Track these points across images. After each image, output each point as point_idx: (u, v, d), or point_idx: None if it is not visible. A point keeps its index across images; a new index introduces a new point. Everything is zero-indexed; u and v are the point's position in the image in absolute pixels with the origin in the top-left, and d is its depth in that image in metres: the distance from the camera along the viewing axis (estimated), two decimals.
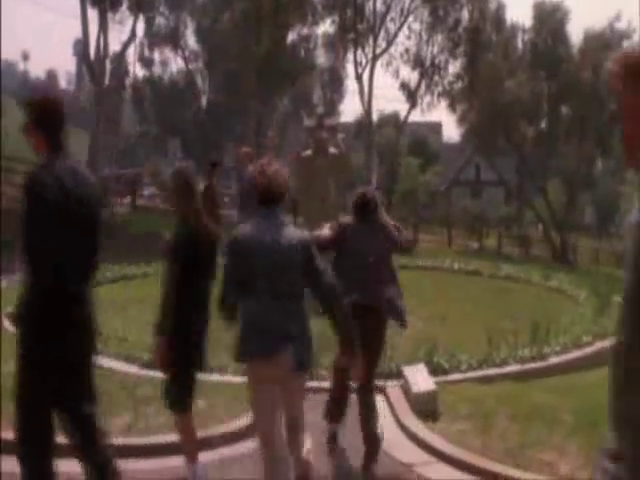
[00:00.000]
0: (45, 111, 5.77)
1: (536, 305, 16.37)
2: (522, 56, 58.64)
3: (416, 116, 58.04)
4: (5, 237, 27.02)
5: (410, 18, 50.90)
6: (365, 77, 49.32)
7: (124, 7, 47.75)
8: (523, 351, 11.99)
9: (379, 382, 10.73)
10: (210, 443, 8.42)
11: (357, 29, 48.84)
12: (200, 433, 8.54)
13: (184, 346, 6.95)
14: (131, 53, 79.90)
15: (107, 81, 44.61)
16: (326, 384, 9.40)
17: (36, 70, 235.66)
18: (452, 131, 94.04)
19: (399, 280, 8.38)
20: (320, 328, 6.76)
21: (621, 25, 58.68)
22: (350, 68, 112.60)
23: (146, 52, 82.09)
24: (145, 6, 55.96)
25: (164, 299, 6.82)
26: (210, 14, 71.16)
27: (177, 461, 7.91)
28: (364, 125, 54.00)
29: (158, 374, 10.83)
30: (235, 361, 6.37)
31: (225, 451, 8.33)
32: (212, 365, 11.12)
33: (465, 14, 52.16)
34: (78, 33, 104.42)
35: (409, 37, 50.99)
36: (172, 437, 8.37)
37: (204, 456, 8.11)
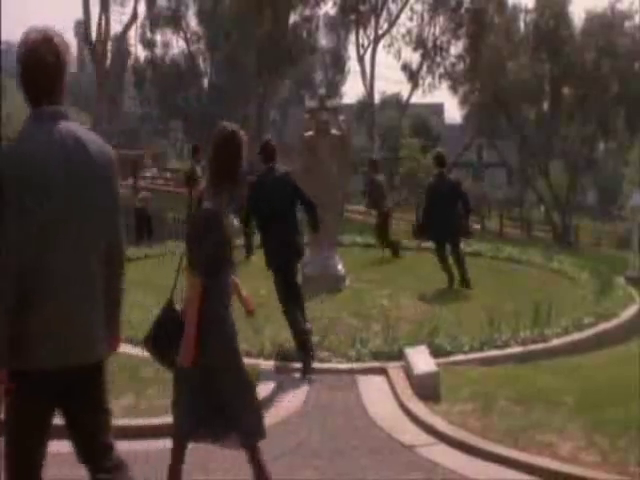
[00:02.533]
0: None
1: (538, 286, 16.38)
2: (524, 37, 58.52)
3: (418, 97, 58.15)
4: None
5: None
6: (367, 58, 49.33)
7: None
8: (525, 333, 12.00)
9: (381, 363, 10.77)
10: None
11: (359, 10, 48.74)
12: None
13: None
14: (132, 35, 79.81)
15: (108, 63, 44.52)
16: None
17: None
18: (454, 112, 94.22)
19: None
20: None
21: (623, 6, 58.62)
22: (352, 49, 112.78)
23: (148, 33, 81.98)
24: None
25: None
26: None
27: None
28: (366, 106, 54.05)
29: None
30: None
31: None
32: None
33: None
34: (79, 14, 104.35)
35: (411, 18, 51.03)
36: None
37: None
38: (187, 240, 6.34)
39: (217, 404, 6.24)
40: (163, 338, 6.33)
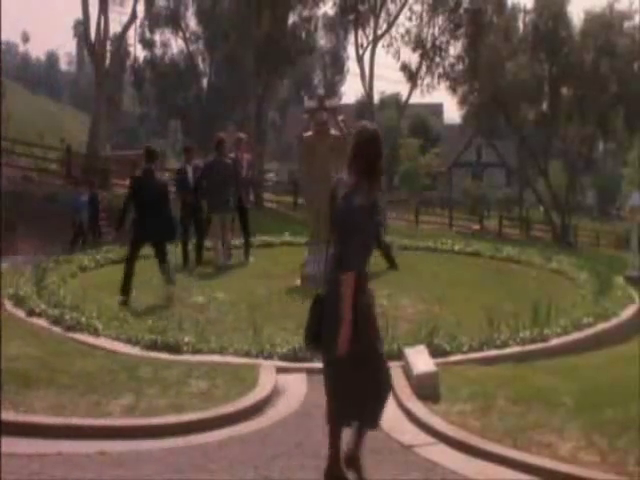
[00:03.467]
0: None
1: (537, 287, 16.37)
2: (523, 38, 58.55)
3: (417, 97, 58.08)
4: (6, 218, 27.11)
5: None
6: (366, 59, 49.26)
7: None
8: (524, 333, 12.00)
9: None
10: (211, 424, 8.46)
11: (358, 10, 48.72)
12: (201, 414, 8.58)
13: None
14: (132, 34, 79.65)
15: (107, 63, 44.50)
16: None
17: (36, 51, 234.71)
18: (453, 112, 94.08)
19: None
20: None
21: (621, 6, 58.64)
22: (351, 49, 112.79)
23: (147, 33, 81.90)
24: None
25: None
26: None
27: (178, 442, 7.95)
28: (365, 106, 53.98)
29: (159, 355, 10.92)
30: None
31: (226, 432, 8.35)
32: (213, 346, 11.19)
33: None
34: (78, 14, 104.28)
35: (410, 18, 50.84)
36: (173, 418, 8.41)
37: (205, 437, 8.16)
38: (340, 235, 6.57)
39: (360, 387, 6.63)
40: (311, 331, 6.99)
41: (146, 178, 15.25)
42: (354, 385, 6.63)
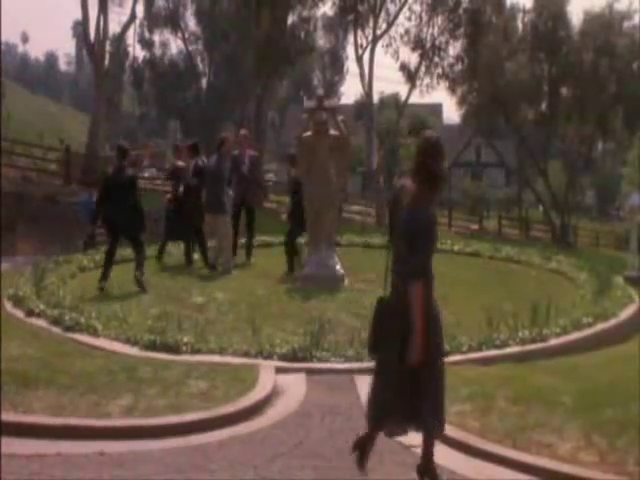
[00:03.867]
0: None
1: (536, 287, 16.36)
2: (522, 38, 58.49)
3: (416, 97, 57.97)
4: (6, 219, 27.11)
5: None
6: (365, 59, 49.24)
7: None
8: (523, 333, 12.01)
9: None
10: (211, 424, 8.46)
11: (357, 10, 48.70)
12: (200, 414, 8.58)
13: None
14: (131, 35, 79.69)
15: (107, 63, 44.46)
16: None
17: (36, 52, 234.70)
18: (452, 112, 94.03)
19: None
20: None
21: (621, 6, 58.68)
22: (350, 50, 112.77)
23: (146, 34, 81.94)
24: None
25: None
26: None
27: (177, 442, 7.95)
28: (364, 106, 53.95)
29: (159, 356, 10.92)
30: None
31: (226, 432, 8.35)
32: (212, 347, 11.19)
33: None
34: (77, 15, 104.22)
35: (409, 18, 50.79)
36: (172, 419, 8.41)
37: (205, 437, 8.16)
38: (409, 243, 6.62)
39: (416, 395, 6.72)
40: (382, 337, 6.91)
41: (116, 175, 16.12)
42: (415, 391, 6.72)
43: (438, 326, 7.02)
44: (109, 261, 16.03)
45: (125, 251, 19.48)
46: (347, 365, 10.82)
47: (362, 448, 7.01)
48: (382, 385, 6.86)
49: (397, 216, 6.85)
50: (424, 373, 6.66)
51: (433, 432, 6.89)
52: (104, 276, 15.70)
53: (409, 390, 6.70)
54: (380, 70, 69.98)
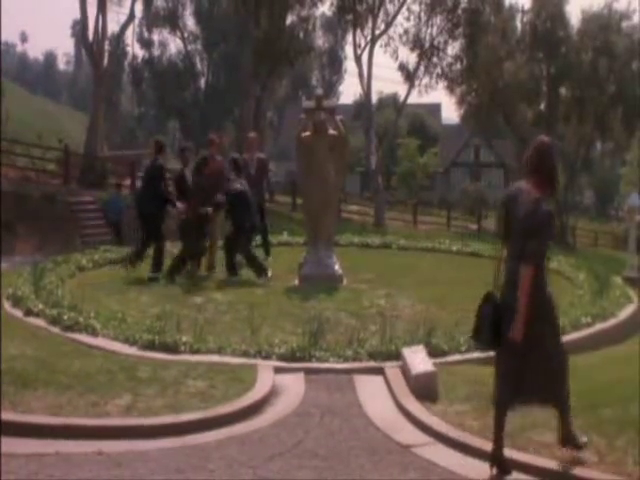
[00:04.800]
0: None
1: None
2: (521, 38, 58.53)
3: (415, 97, 57.93)
4: (5, 219, 27.10)
5: None
6: (364, 58, 49.17)
7: None
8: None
9: (378, 363, 10.78)
10: (210, 424, 8.45)
11: (356, 10, 48.64)
12: (199, 414, 8.58)
13: None
14: (130, 34, 79.76)
15: (106, 63, 44.44)
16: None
17: (34, 52, 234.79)
18: (451, 112, 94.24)
19: None
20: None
21: (620, 6, 58.71)
22: (349, 49, 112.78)
23: (145, 33, 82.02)
24: None
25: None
26: None
27: (176, 442, 7.95)
28: (363, 106, 53.92)
29: (157, 355, 10.91)
30: None
31: (225, 432, 8.35)
32: (211, 346, 11.18)
33: None
34: (76, 14, 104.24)
35: (408, 18, 50.66)
36: (171, 418, 8.41)
37: (204, 437, 8.15)
38: (528, 235, 7.14)
39: (535, 371, 7.31)
40: (489, 327, 7.40)
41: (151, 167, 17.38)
42: (539, 371, 7.29)
43: (547, 312, 7.43)
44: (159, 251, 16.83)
45: (125, 251, 19.53)
46: (346, 365, 10.81)
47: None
48: (504, 371, 7.38)
49: (514, 215, 7.33)
50: (534, 354, 7.20)
51: (557, 400, 7.42)
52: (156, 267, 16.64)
53: (527, 371, 7.27)
54: (379, 70, 70.23)
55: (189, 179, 17.15)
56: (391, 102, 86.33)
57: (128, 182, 36.15)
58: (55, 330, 12.14)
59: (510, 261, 7.40)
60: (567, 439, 7.43)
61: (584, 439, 7.45)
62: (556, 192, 7.58)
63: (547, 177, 7.27)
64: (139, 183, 36.83)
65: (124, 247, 20.86)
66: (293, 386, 10.05)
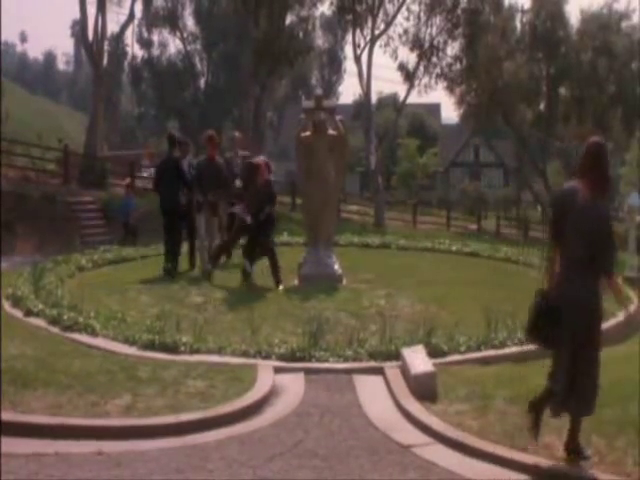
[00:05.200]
0: None
1: (535, 287, 16.31)
2: (521, 38, 58.53)
3: (414, 97, 57.90)
4: (5, 219, 27.09)
5: None
6: (364, 58, 49.12)
7: None
8: (522, 333, 11.99)
9: (378, 363, 10.79)
10: (210, 424, 8.45)
11: (356, 10, 48.60)
12: (199, 414, 8.58)
13: None
14: (129, 34, 79.73)
15: (105, 62, 44.45)
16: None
17: (34, 52, 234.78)
18: (451, 112, 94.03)
19: None
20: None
21: (619, 6, 58.74)
22: (349, 49, 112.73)
23: (144, 33, 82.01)
24: None
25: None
26: None
27: (175, 442, 7.95)
28: (363, 106, 53.87)
29: (157, 355, 10.91)
30: None
31: (224, 432, 8.34)
32: (211, 346, 11.18)
33: None
34: (76, 14, 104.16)
35: (408, 18, 50.61)
36: (170, 418, 8.40)
37: (203, 437, 8.15)
38: (596, 239, 7.31)
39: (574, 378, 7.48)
40: (545, 326, 7.62)
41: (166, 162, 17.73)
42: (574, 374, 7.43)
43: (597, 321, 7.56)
44: (177, 246, 17.18)
45: (124, 251, 19.53)
46: (345, 365, 10.81)
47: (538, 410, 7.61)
48: (558, 368, 7.64)
49: (568, 215, 7.49)
50: (581, 357, 7.42)
51: (577, 414, 7.47)
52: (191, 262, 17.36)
53: (570, 373, 7.45)
54: (378, 70, 70.27)
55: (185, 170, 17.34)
56: (391, 102, 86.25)
57: (139, 183, 36.19)
58: (55, 330, 12.14)
59: (566, 260, 7.57)
60: (573, 449, 7.43)
61: (589, 452, 7.43)
62: (609, 190, 7.71)
63: (601, 177, 7.41)
64: (139, 183, 37.13)
65: (138, 248, 20.93)
66: (293, 386, 10.05)
